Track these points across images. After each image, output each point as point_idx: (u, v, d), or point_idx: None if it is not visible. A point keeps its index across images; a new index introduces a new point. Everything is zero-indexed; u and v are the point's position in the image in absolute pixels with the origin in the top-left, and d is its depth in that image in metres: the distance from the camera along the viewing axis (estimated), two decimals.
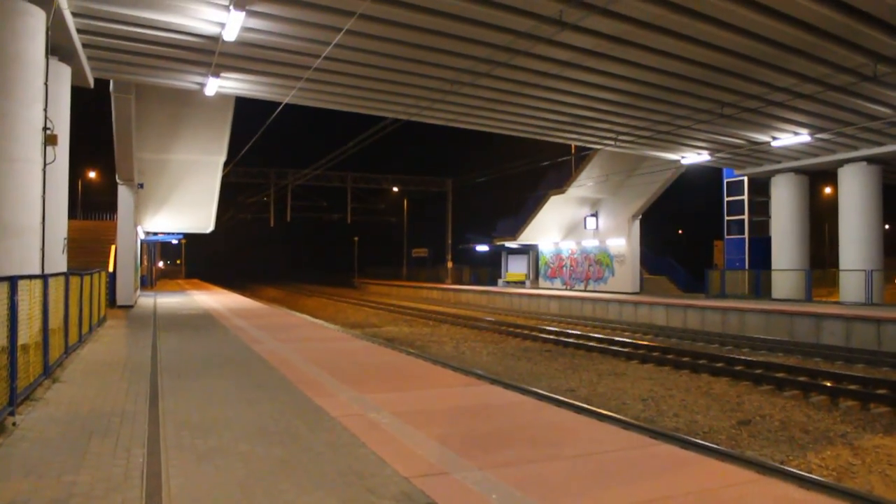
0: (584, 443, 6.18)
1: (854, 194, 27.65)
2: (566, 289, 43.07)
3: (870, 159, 26.97)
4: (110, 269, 25.73)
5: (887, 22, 14.43)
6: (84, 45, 15.18)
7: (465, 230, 61.15)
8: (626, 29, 14.74)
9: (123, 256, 25.27)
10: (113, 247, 27.16)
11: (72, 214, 18.55)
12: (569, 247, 43.85)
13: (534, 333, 23.41)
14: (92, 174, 58.15)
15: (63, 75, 14.43)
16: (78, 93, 16.04)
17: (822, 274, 31.41)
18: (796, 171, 30.48)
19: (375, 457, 5.58)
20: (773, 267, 31.24)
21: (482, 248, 53.10)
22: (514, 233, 44.27)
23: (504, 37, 15.13)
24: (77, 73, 15.32)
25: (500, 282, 51.05)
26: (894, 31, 14.84)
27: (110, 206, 30.76)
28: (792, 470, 8.01)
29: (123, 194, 25.79)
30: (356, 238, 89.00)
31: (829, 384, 13.56)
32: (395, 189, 63.32)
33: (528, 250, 48.02)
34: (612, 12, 13.76)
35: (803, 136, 24.45)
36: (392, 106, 21.39)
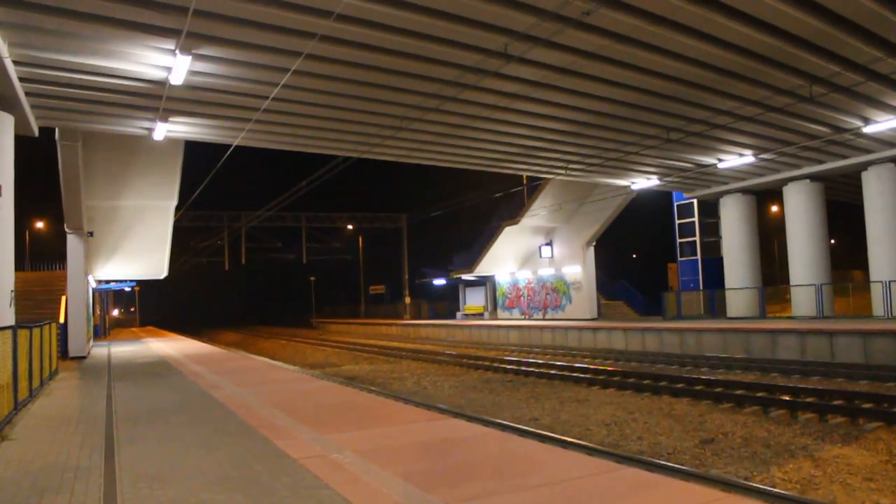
0: (549, 471, 6.15)
1: (799, 211, 28.36)
2: (525, 318, 43.21)
3: (812, 177, 27.73)
4: (61, 320, 25.12)
5: (819, 45, 14.95)
6: (27, 94, 14.95)
7: (421, 265, 61.18)
8: (571, 59, 15.02)
9: (74, 306, 24.68)
10: (63, 297, 26.56)
11: (19, 266, 18.14)
12: (525, 276, 44.08)
13: (495, 364, 23.37)
14: (40, 224, 56.99)
15: (6, 124, 14.18)
16: (23, 140, 15.76)
17: (774, 290, 32.03)
18: (743, 191, 31.18)
19: (340, 498, 5.49)
20: (727, 286, 31.76)
21: (439, 281, 53.12)
22: (470, 265, 44.39)
23: (451, 71, 15.30)
24: (21, 122, 15.04)
25: (458, 314, 51.04)
26: (826, 54, 15.39)
27: (60, 256, 30.12)
28: (756, 485, 8.08)
29: (73, 243, 25.26)
30: (312, 278, 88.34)
31: (787, 398, 13.74)
32: (350, 227, 63.18)
33: (485, 282, 48.15)
34: (556, 44, 14.01)
35: (748, 157, 25.07)
36: (343, 144, 21.41)
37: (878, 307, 25.17)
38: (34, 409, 11.62)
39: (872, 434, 11.11)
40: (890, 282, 24.44)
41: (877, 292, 25.20)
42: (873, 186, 25.71)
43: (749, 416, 13.07)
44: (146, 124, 18.12)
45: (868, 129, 21.18)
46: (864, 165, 25.80)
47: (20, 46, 12.66)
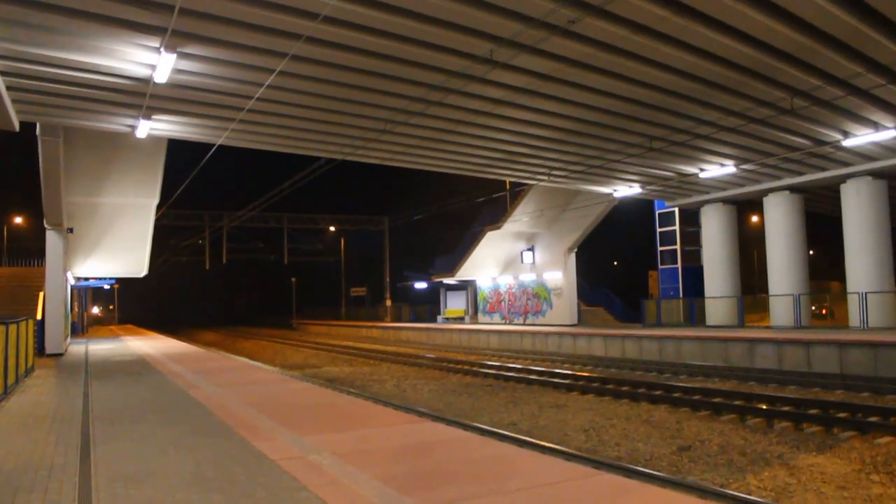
0: (527, 476, 6.18)
1: (779, 222, 28.60)
2: (505, 323, 43.27)
3: (792, 188, 28.00)
4: (38, 316, 24.88)
5: (801, 59, 15.11)
6: (8, 88, 14.80)
7: (403, 268, 61.07)
8: (556, 67, 15.09)
9: (52, 303, 24.46)
10: (41, 293, 26.32)
11: None
12: (507, 281, 44.15)
13: (475, 369, 23.41)
14: (18, 219, 56.43)
15: None
16: (3, 134, 15.61)
17: (753, 300, 32.25)
18: (724, 200, 31.42)
19: (317, 499, 5.49)
20: (707, 295, 31.97)
21: (421, 285, 53.06)
22: (451, 269, 44.40)
23: (437, 76, 15.32)
24: (1, 116, 14.92)
25: (439, 318, 51.02)
26: (808, 68, 15.55)
27: (38, 252, 29.86)
28: (732, 493, 8.15)
29: (52, 239, 25.05)
30: (294, 279, 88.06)
31: (764, 407, 13.89)
32: (332, 228, 63.04)
33: (466, 286, 48.19)
34: (542, 51, 14.07)
35: (729, 168, 25.28)
36: (326, 146, 21.38)
37: (854, 318, 25.44)
38: (8, 407, 11.51)
39: (847, 443, 11.25)
40: (866, 293, 24.72)
41: (853, 303, 25.46)
42: (851, 199, 25.99)
43: (726, 423, 13.18)
44: (129, 121, 18.00)
45: (847, 143, 21.41)
46: (843, 178, 26.07)
47: (2, 40, 12.53)
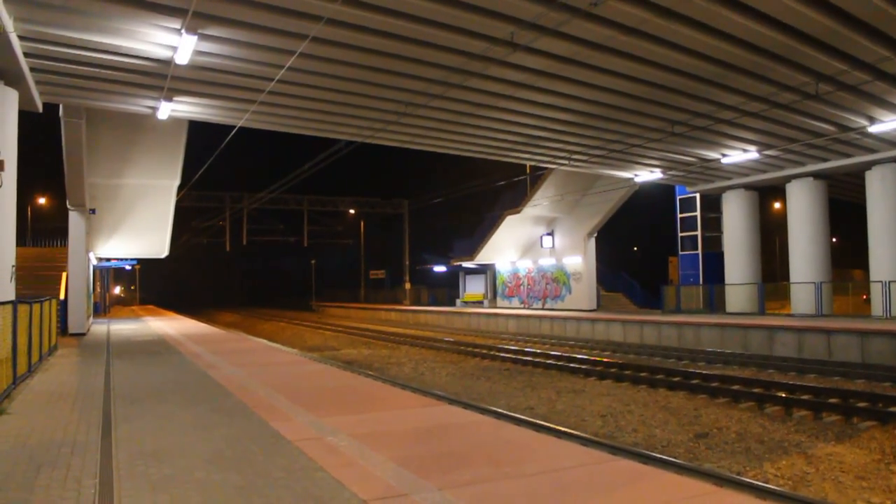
0: (543, 460, 6.19)
1: (802, 209, 28.33)
2: (524, 307, 43.23)
3: (816, 175, 27.70)
4: (61, 296, 25.17)
5: (828, 43, 14.89)
6: (32, 69, 14.91)
7: (422, 251, 61.13)
8: (577, 50, 14.97)
9: (75, 283, 24.73)
10: (64, 274, 26.61)
11: (21, 241, 18.13)
12: (526, 266, 44.08)
13: (492, 353, 23.42)
14: (42, 200, 56.99)
15: (9, 99, 14.14)
16: (26, 116, 15.73)
17: (773, 287, 32.00)
18: (746, 187, 31.15)
19: (333, 480, 5.53)
20: (727, 281, 31.77)
21: (440, 268, 53.07)
22: (471, 253, 44.38)
23: (457, 59, 15.25)
24: (24, 98, 15.01)
25: (458, 302, 51.03)
26: (834, 52, 15.32)
27: (61, 233, 30.14)
28: (749, 480, 8.12)
29: (75, 220, 25.30)
30: (313, 261, 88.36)
31: (782, 395, 13.78)
32: (352, 211, 63.12)
33: (485, 270, 48.14)
34: (563, 34, 13.97)
35: (752, 153, 25.04)
36: (347, 128, 21.37)
37: (877, 307, 25.18)
38: (33, 384, 11.67)
39: (866, 433, 11.16)
40: (889, 282, 24.44)
41: (876, 292, 25.20)
42: (876, 186, 25.67)
43: (744, 411, 13.12)
44: (150, 103, 18.09)
45: (873, 129, 21.13)
46: (868, 165, 25.77)
47: (26, 21, 12.62)
